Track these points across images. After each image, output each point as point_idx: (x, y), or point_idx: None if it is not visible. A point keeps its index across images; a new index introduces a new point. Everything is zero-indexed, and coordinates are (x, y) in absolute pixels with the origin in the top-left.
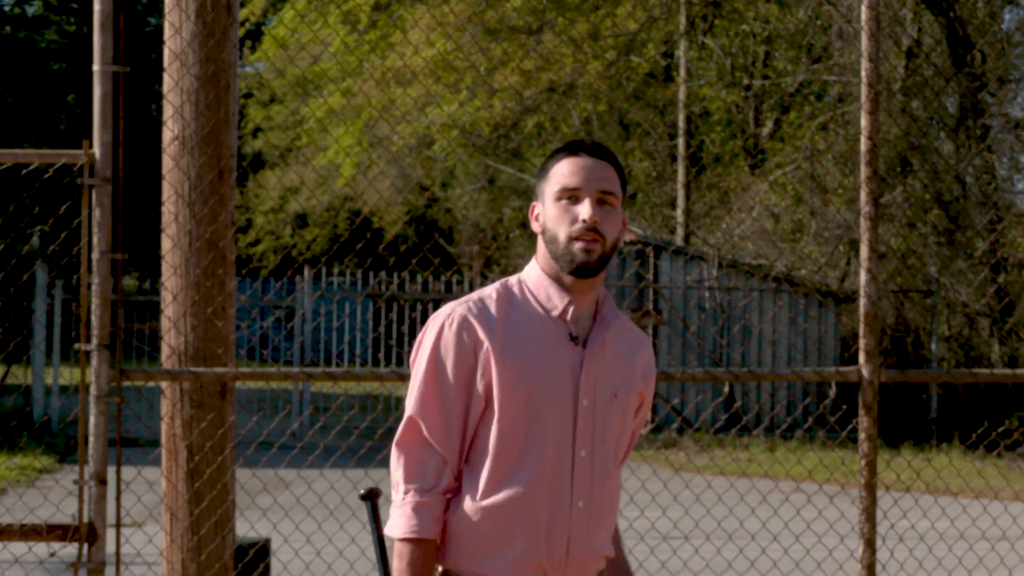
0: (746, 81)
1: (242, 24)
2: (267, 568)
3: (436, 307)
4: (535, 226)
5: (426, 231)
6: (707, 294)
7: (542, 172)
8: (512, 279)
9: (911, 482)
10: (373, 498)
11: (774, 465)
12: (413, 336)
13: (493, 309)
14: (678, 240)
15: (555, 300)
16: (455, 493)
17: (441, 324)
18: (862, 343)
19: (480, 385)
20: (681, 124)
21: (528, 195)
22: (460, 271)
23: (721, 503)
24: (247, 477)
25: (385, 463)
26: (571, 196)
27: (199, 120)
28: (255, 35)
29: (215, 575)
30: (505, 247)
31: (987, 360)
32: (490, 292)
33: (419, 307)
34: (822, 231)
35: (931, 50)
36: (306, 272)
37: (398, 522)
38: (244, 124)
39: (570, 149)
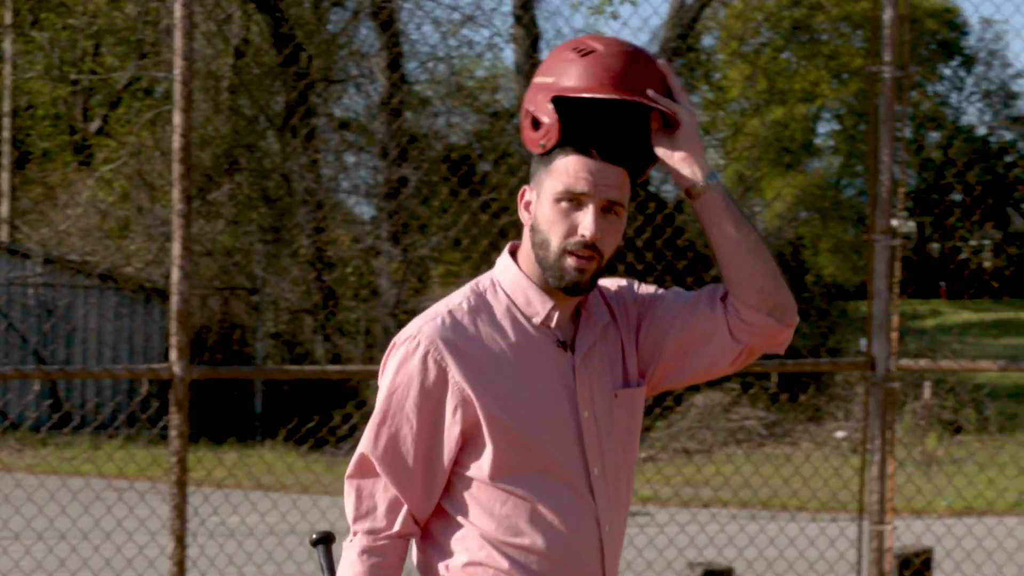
0: (74, 76)
1: None
2: None
3: None
4: (524, 216)
5: None
6: (30, 291)
7: (545, 157)
8: (483, 281)
9: (227, 479)
10: (327, 543)
11: (85, 463)
12: None
13: (466, 325)
14: (3, 236)
15: (536, 305)
16: (438, 545)
17: (404, 350)
18: (174, 340)
19: (456, 420)
20: (6, 117)
21: None
22: None
23: (31, 502)
24: None
25: None
26: (574, 199)
27: None
28: None
29: None
30: None
31: (312, 357)
32: (460, 302)
33: None
34: (149, 228)
35: (260, 49)
36: None
37: (343, 567)
38: None
39: (580, 146)
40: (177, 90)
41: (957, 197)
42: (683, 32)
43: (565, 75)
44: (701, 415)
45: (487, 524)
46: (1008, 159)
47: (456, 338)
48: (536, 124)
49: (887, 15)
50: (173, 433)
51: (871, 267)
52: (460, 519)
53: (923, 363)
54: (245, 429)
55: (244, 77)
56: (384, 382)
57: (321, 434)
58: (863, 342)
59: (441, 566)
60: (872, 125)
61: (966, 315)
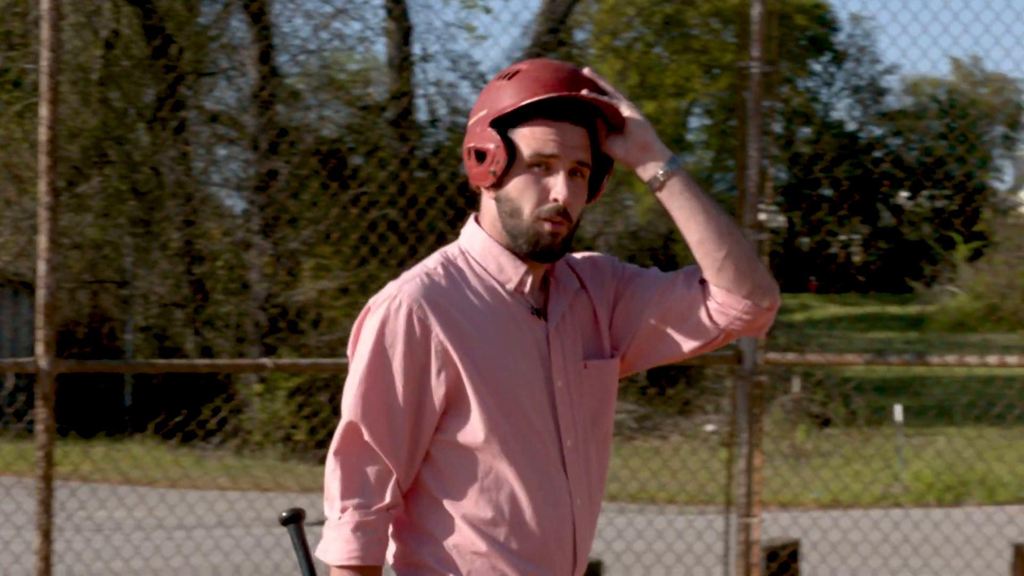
0: None
1: None
2: None
3: None
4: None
5: None
6: None
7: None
8: (451, 250)
9: (95, 473)
10: (298, 521)
11: None
12: None
13: (445, 287)
14: None
15: (509, 271)
16: (411, 518)
17: (386, 309)
18: (40, 334)
19: (441, 382)
20: None
21: None
22: None
23: None
24: None
25: None
26: (543, 163)
27: None
28: None
29: None
30: None
31: (182, 351)
32: (435, 267)
33: None
34: (17, 220)
35: (129, 40)
36: None
37: (334, 546)
38: None
39: (546, 111)
40: (44, 82)
41: (826, 192)
42: (554, 27)
43: (498, 100)
44: None
45: (466, 501)
46: (877, 154)
47: (438, 298)
48: (481, 156)
49: (756, 11)
50: (39, 427)
51: None
52: (438, 497)
53: (791, 357)
54: (115, 423)
55: (113, 69)
56: (364, 346)
57: (190, 428)
58: None
59: (418, 554)
60: (741, 120)
61: (834, 309)
